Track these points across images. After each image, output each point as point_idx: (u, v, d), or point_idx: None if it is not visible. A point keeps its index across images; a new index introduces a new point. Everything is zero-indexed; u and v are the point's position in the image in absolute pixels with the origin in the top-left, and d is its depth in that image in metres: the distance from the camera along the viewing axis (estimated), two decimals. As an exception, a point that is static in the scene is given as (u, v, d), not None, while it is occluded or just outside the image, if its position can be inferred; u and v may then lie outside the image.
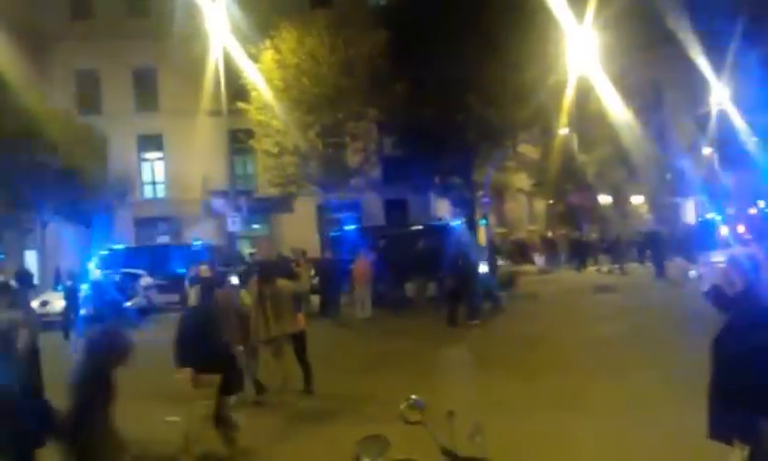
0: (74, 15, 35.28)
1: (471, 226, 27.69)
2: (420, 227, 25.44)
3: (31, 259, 34.78)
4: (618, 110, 31.07)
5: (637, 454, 6.89)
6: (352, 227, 26.75)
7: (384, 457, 4.14)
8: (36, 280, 18.31)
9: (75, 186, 28.86)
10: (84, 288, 20.44)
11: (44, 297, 21.74)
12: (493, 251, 20.89)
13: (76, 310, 19.17)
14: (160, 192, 36.71)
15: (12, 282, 10.41)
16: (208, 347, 7.20)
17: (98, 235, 29.99)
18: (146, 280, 24.41)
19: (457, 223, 23.49)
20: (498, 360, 12.02)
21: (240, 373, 8.03)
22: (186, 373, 7.14)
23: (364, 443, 4.08)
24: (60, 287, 22.61)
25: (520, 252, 31.39)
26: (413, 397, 4.00)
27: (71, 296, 19.74)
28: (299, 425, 8.75)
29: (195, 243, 28.13)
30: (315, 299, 20.75)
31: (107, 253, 26.10)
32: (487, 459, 4.19)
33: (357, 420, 8.31)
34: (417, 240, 22.76)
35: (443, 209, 34.57)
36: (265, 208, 34.43)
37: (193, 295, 10.09)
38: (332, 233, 26.54)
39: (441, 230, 21.46)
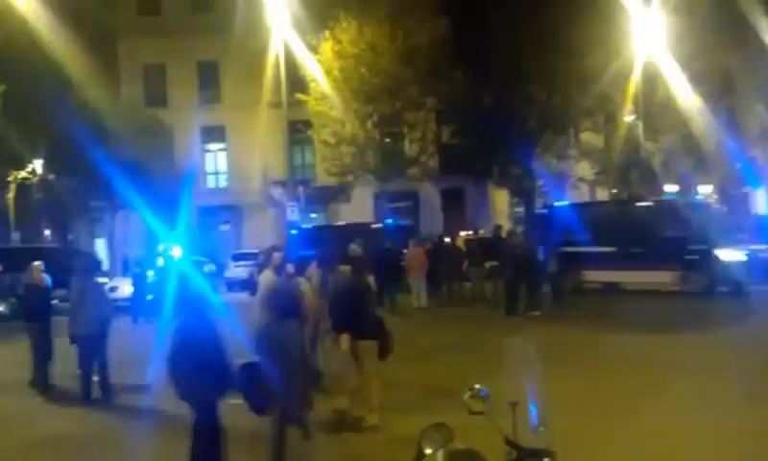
0: (141, 12, 36.27)
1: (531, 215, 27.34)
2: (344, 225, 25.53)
3: (100, 247, 36.11)
4: (687, 97, 30.01)
5: (706, 453, 6.65)
6: (308, 225, 26.73)
7: (447, 447, 4.08)
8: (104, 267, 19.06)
9: (142, 176, 29.76)
10: (151, 275, 21.12)
11: (113, 283, 22.47)
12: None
13: (143, 296, 19.81)
14: (222, 182, 37.45)
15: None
16: (364, 316, 7.99)
17: (163, 224, 30.84)
18: (209, 267, 24.90)
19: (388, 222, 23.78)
20: (561, 352, 11.75)
21: (390, 337, 8.27)
22: (345, 339, 7.84)
23: (427, 432, 4.05)
24: (128, 274, 23.34)
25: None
26: (476, 386, 3.92)
27: (138, 282, 20.40)
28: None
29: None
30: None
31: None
32: (551, 451, 4.09)
33: (418, 409, 8.27)
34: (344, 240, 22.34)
35: (501, 199, 34.20)
36: (322, 198, 34.76)
37: (263, 278, 10.25)
38: (290, 232, 25.65)
39: (367, 230, 21.82)
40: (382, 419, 7.90)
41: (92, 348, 9.80)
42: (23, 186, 31.45)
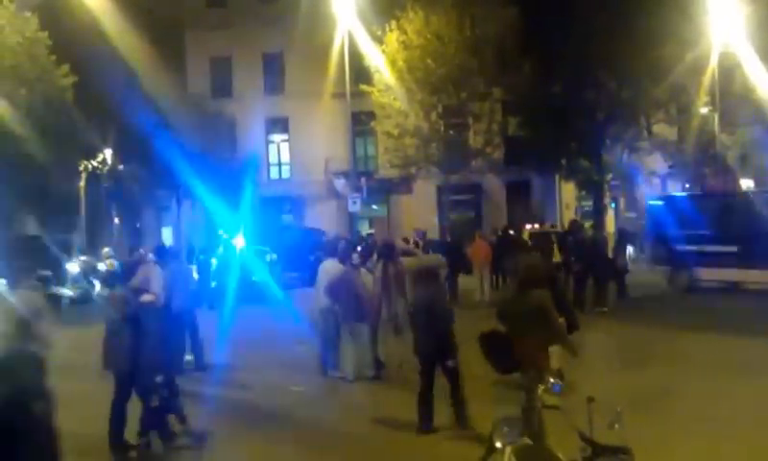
0: (209, 4, 37.04)
1: (599, 210, 26.75)
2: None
3: (167, 235, 37.15)
4: (766, 88, 28.80)
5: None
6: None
7: (517, 442, 4.05)
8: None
9: (207, 166, 30.45)
10: (213, 263, 21.61)
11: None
12: (624, 237, 19.92)
13: (207, 283, 20.27)
14: (285, 173, 37.95)
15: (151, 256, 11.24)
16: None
17: (227, 213, 31.49)
18: (271, 256, 25.24)
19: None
20: (632, 349, 11.50)
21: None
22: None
23: (498, 425, 4.03)
24: (193, 262, 23.88)
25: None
26: (551, 380, 3.89)
27: (203, 270, 20.89)
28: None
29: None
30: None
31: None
32: (627, 449, 4.02)
33: (487, 401, 8.21)
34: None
35: (568, 193, 33.59)
36: (385, 189, 34.82)
37: (325, 266, 10.54)
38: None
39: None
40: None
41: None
42: (93, 175, 32.68)
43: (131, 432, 7.13)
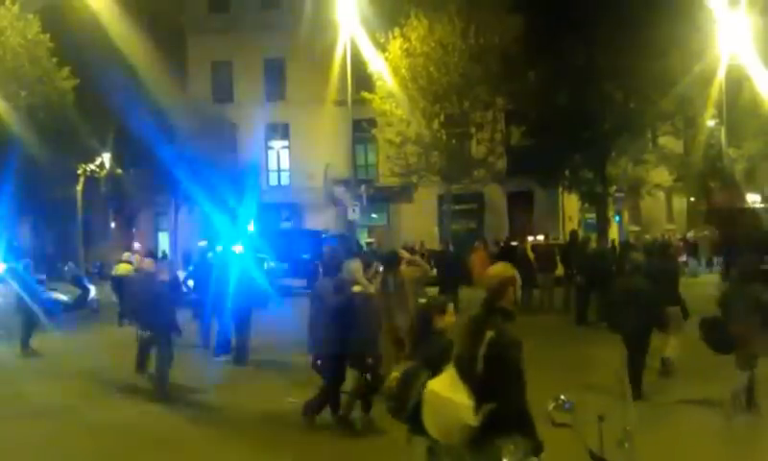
0: (211, 9, 37.13)
1: (603, 223, 26.70)
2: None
3: (164, 240, 37.12)
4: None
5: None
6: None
7: (524, 459, 3.98)
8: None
9: (206, 172, 30.40)
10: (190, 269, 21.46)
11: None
12: (627, 250, 19.86)
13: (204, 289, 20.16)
14: (285, 179, 37.93)
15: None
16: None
17: (226, 219, 31.39)
18: (268, 264, 25.12)
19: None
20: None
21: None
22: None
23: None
24: (190, 267, 23.70)
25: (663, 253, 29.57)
26: (561, 397, 3.82)
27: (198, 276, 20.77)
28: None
29: None
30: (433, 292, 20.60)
31: None
32: (636, 467, 3.96)
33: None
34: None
35: (571, 205, 33.54)
36: (385, 198, 34.79)
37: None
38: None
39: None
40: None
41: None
42: (91, 179, 32.61)
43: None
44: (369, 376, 8.07)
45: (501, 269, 4.29)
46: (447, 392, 3.97)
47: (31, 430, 8.43)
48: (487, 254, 19.81)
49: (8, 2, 24.66)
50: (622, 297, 9.35)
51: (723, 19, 25.58)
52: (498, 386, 3.89)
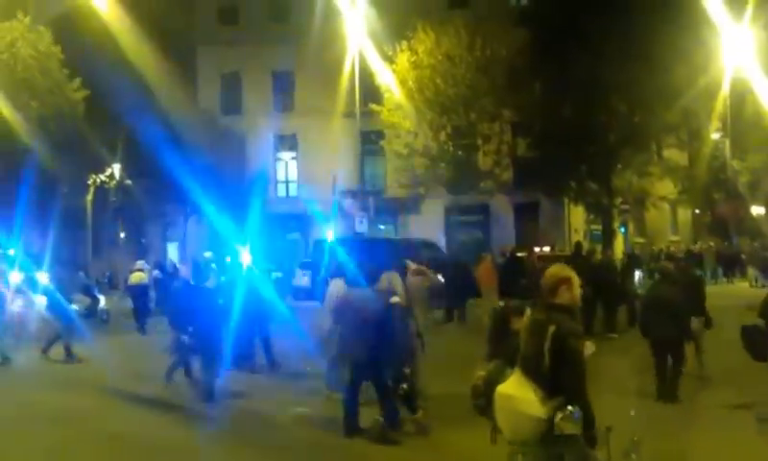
0: (221, 22, 37.38)
1: (608, 235, 26.71)
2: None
3: (172, 250, 37.23)
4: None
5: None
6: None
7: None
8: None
9: (215, 182, 30.51)
10: (222, 280, 21.52)
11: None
12: (633, 261, 19.94)
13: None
14: (293, 190, 38.05)
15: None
16: None
17: (235, 230, 31.46)
18: (276, 274, 25.16)
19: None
20: (646, 376, 11.33)
21: None
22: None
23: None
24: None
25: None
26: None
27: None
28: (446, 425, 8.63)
29: None
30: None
31: None
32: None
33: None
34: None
35: (577, 216, 33.56)
36: (392, 209, 34.84)
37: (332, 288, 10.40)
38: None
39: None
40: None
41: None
42: (101, 189, 32.81)
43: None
44: (405, 386, 8.13)
45: (557, 270, 4.49)
46: (515, 391, 4.20)
47: (45, 436, 8.48)
48: (493, 265, 19.76)
49: (20, 14, 24.88)
50: (651, 303, 9.52)
51: (727, 34, 25.61)
52: (565, 378, 4.08)
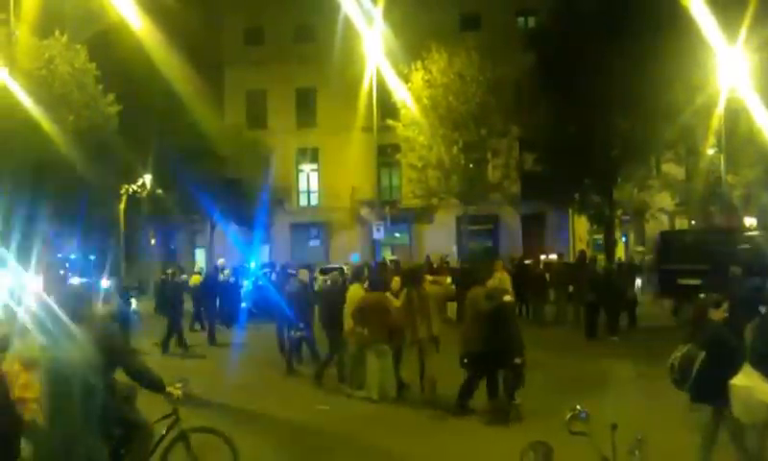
0: (247, 41, 37.75)
1: (610, 244, 26.65)
2: None
3: (200, 257, 37.49)
4: (770, 132, 28.65)
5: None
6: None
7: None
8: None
9: (241, 193, 30.74)
10: (246, 284, 21.75)
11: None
12: (632, 269, 19.97)
13: (238, 304, 20.40)
14: (314, 200, 38.30)
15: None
16: None
17: (259, 238, 31.76)
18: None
19: None
20: (648, 376, 11.40)
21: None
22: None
23: (529, 448, 4.12)
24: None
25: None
26: (578, 407, 3.98)
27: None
28: (461, 428, 8.75)
29: None
30: (452, 306, 20.61)
31: None
32: (647, 474, 4.08)
33: (515, 426, 8.27)
34: None
35: (581, 226, 33.53)
36: (407, 218, 35.11)
37: (351, 292, 10.78)
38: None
39: None
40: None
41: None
42: (133, 198, 33.10)
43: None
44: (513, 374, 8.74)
45: None
46: (747, 382, 4.90)
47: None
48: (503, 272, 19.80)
49: (57, 33, 25.18)
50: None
51: (722, 55, 25.60)
52: None
